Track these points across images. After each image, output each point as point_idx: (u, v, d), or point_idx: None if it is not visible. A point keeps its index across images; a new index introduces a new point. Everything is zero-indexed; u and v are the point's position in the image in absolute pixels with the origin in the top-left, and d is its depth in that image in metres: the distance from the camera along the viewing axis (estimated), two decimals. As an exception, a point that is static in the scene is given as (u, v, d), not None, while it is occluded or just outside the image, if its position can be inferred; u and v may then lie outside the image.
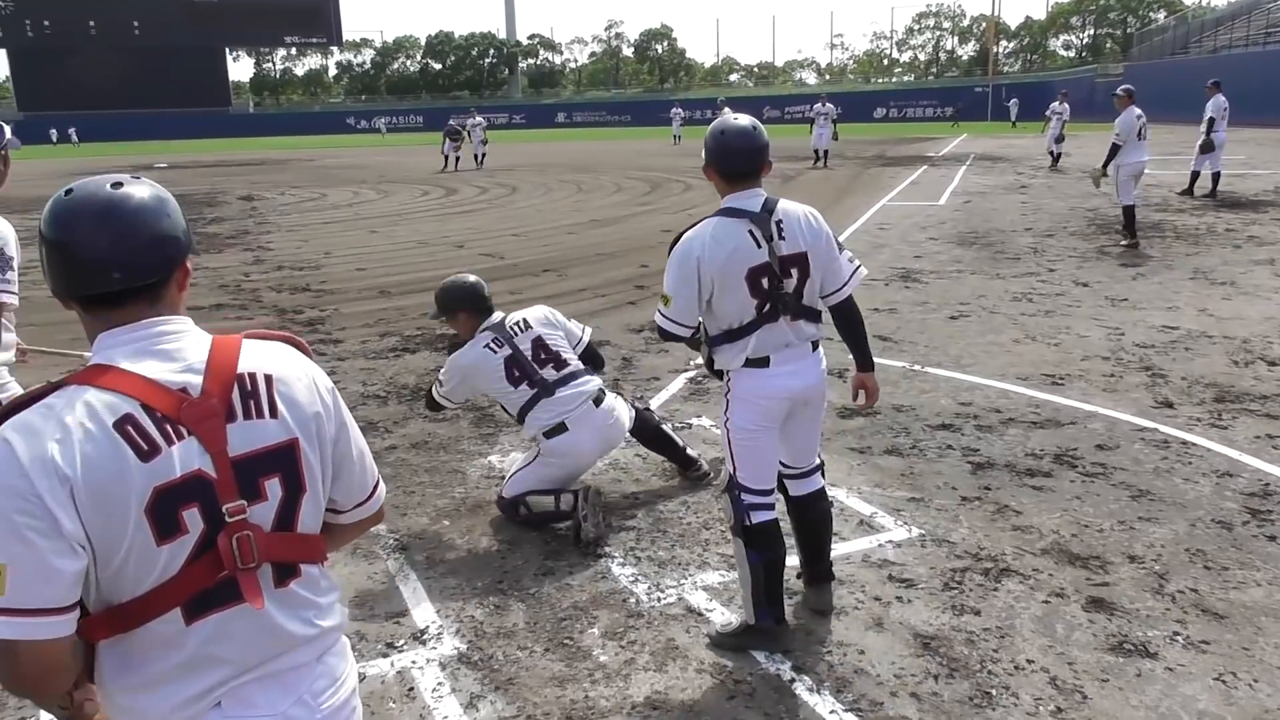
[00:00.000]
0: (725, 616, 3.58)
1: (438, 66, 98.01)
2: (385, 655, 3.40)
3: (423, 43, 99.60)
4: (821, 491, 3.57)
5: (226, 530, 1.43)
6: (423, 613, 3.70)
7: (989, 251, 11.72)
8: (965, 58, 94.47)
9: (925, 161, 26.88)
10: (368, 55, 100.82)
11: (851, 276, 3.31)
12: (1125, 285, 9.46)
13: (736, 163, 3.13)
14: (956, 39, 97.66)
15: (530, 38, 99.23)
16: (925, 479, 4.85)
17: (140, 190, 1.45)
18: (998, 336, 7.62)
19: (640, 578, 3.91)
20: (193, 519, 1.40)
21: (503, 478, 4.69)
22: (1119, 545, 4.06)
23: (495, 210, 18.47)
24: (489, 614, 3.67)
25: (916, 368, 6.81)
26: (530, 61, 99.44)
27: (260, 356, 1.52)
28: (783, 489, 3.57)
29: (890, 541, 4.17)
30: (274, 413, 1.49)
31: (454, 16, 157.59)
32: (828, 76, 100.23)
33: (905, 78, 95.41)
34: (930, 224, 14.25)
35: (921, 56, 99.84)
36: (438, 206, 19.46)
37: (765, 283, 3.10)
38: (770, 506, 3.33)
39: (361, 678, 2.96)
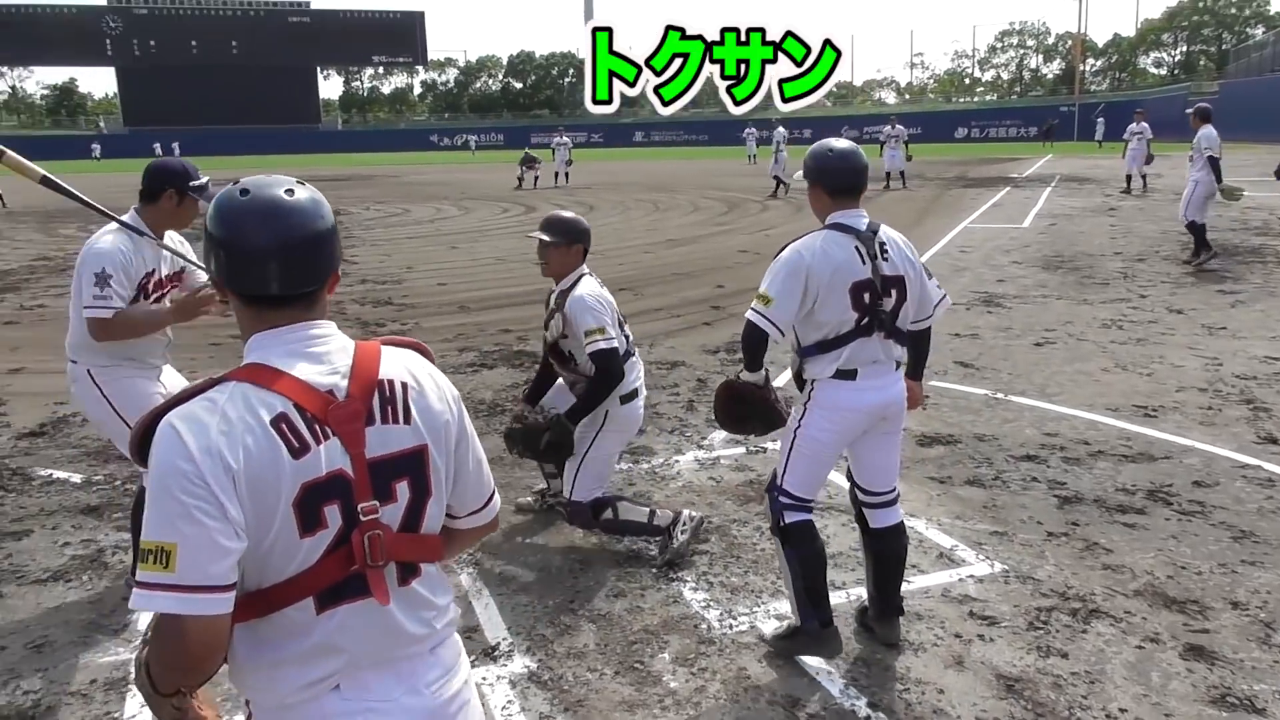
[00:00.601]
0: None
1: (519, 85, 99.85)
2: (457, 671, 3.40)
3: (505, 62, 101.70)
4: (901, 526, 3.52)
5: (360, 528, 1.51)
6: (494, 629, 3.70)
7: (1076, 276, 11.37)
8: (1050, 76, 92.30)
9: (1008, 183, 26.29)
10: (451, 74, 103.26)
11: (937, 305, 3.48)
12: (1223, 313, 9.07)
13: (843, 178, 3.29)
14: (1041, 57, 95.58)
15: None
16: (1009, 512, 4.69)
17: (303, 195, 1.53)
18: (1085, 365, 7.36)
19: (712, 603, 3.86)
20: (332, 515, 1.49)
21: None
22: (1220, 590, 3.86)
23: (572, 227, 18.60)
24: (559, 633, 3.66)
25: (999, 396, 6.61)
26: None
27: (398, 364, 1.62)
28: (862, 521, 3.55)
29: (971, 576, 4.04)
30: (407, 419, 1.58)
31: (535, 36, 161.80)
32: (907, 96, 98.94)
33: (987, 97, 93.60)
34: (1014, 247, 13.90)
35: (1004, 75, 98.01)
36: (516, 224, 19.71)
37: (866, 298, 3.20)
38: (807, 511, 3.41)
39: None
